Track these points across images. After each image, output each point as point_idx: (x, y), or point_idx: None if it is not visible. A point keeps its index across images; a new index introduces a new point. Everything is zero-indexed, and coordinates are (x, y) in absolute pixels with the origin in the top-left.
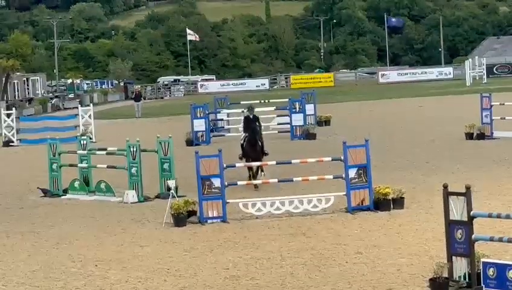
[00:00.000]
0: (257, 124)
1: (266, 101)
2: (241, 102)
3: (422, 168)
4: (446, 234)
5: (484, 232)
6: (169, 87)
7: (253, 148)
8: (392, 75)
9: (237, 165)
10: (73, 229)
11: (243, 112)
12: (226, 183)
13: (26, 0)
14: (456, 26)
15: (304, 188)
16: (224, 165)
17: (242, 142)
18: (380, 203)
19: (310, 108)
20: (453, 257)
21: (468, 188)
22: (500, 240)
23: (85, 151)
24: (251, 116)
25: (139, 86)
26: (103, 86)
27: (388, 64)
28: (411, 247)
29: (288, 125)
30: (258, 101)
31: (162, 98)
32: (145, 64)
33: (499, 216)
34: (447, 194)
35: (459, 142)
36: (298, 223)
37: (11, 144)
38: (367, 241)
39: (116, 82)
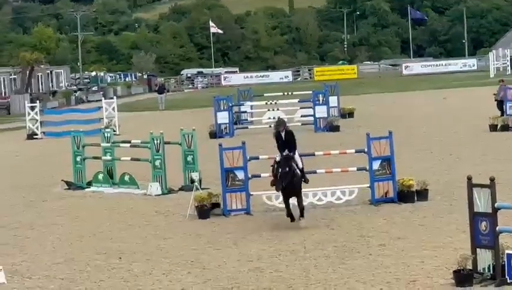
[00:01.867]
0: (292, 146)
1: (289, 93)
2: (265, 94)
3: (446, 160)
4: (470, 226)
5: (509, 224)
6: (193, 80)
7: (290, 181)
8: (415, 67)
9: (261, 157)
10: (97, 221)
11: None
12: (249, 175)
13: None
14: (480, 18)
15: (328, 180)
16: (248, 157)
17: (275, 164)
18: (404, 195)
19: (333, 100)
20: (477, 249)
21: (492, 179)
22: None
23: (109, 144)
24: (283, 134)
25: (163, 79)
26: (127, 79)
27: (412, 56)
28: (435, 239)
29: (312, 118)
30: (282, 93)
31: (181, 90)
32: (168, 56)
33: None
34: (471, 186)
35: (483, 133)
36: (322, 215)
37: (35, 136)
38: (391, 233)
39: (140, 75)
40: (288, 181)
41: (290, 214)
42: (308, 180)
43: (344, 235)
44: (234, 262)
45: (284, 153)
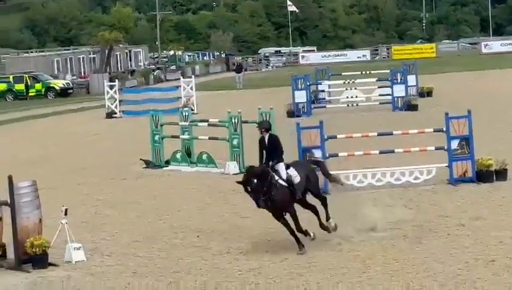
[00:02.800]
0: (277, 154)
1: (367, 72)
2: (342, 73)
3: None
4: None
5: None
6: (269, 59)
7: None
8: (495, 45)
9: (338, 136)
10: (175, 200)
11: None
12: (327, 154)
13: None
14: None
15: (406, 159)
16: (325, 137)
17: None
18: (483, 175)
19: (411, 79)
20: None
21: None
22: None
23: (187, 123)
24: (266, 137)
25: (240, 58)
26: (205, 58)
27: (491, 34)
28: None
29: (390, 97)
30: (360, 72)
31: (257, 70)
32: (246, 35)
33: None
34: None
35: None
36: (400, 195)
37: (114, 115)
38: (469, 213)
39: (218, 54)
40: (263, 200)
41: (298, 231)
42: (300, 197)
43: (422, 215)
44: (311, 241)
45: (265, 164)
